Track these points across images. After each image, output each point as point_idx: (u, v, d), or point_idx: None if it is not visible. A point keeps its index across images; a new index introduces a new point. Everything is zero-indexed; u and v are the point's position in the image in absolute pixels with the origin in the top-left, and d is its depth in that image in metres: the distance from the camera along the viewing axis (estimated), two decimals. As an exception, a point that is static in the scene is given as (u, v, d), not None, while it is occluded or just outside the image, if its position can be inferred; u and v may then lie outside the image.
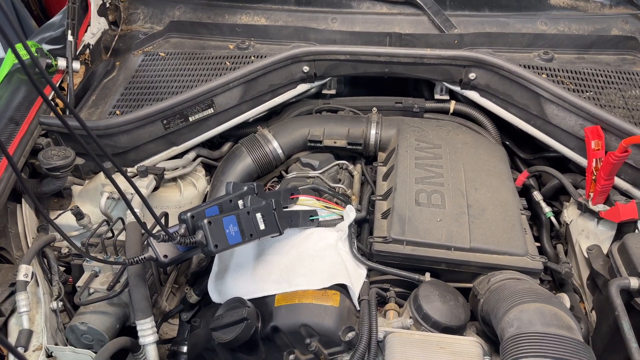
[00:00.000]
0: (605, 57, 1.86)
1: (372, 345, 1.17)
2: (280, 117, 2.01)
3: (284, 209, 1.40)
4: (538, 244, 1.69)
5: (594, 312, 1.48)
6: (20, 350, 1.18)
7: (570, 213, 1.67)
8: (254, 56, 1.85)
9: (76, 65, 1.78)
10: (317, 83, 1.91)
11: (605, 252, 1.48)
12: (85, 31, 1.95)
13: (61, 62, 1.76)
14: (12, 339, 1.24)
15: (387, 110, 1.93)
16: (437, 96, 1.94)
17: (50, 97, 1.67)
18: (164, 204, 1.70)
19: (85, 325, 1.32)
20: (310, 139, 1.79)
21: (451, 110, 1.93)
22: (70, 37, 1.76)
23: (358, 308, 1.27)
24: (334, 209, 1.51)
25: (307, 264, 1.33)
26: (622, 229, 1.50)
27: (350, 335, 1.19)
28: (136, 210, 1.46)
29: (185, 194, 1.74)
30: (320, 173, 1.71)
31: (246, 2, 2.06)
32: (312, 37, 1.90)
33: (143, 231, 1.40)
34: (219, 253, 1.35)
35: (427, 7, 1.91)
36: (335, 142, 1.79)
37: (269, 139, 1.80)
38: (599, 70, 1.77)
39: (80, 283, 1.39)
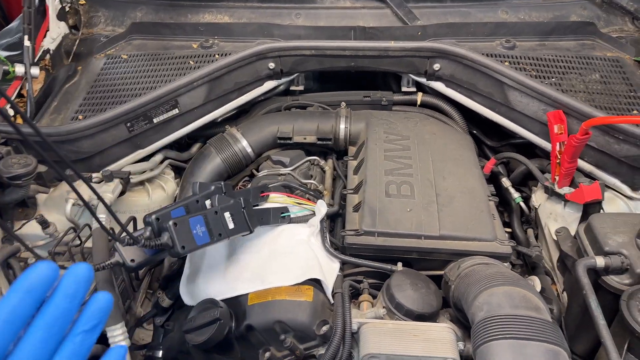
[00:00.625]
0: (565, 43, 1.90)
1: (347, 337, 1.17)
2: (248, 115, 2.00)
3: (255, 207, 1.39)
4: (509, 230, 1.72)
5: (565, 293, 1.51)
6: None
7: (538, 197, 1.70)
8: (218, 54, 1.83)
9: (35, 71, 1.73)
10: (284, 80, 1.90)
11: (573, 233, 1.51)
12: (45, 36, 1.90)
13: (19, 69, 1.71)
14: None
15: (355, 105, 1.94)
16: (404, 89, 1.95)
17: (10, 104, 1.63)
18: (132, 208, 1.67)
19: (55, 335, 1.29)
20: (280, 136, 1.78)
21: (418, 102, 1.94)
22: (27, 43, 1.72)
23: (332, 302, 1.27)
24: (305, 205, 1.50)
25: (280, 261, 1.32)
26: (588, 210, 1.53)
27: (325, 328, 1.19)
28: (102, 216, 1.43)
29: (153, 197, 1.71)
30: (291, 170, 1.70)
31: (209, 0, 2.04)
32: (277, 33, 1.89)
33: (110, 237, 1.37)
34: (188, 254, 1.34)
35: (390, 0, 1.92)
36: (305, 138, 1.78)
37: (237, 138, 1.78)
38: (560, 56, 1.81)
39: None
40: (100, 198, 0.95)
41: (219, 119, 1.89)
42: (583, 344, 1.41)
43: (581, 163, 1.59)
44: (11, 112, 1.64)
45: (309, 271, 1.28)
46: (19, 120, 1.70)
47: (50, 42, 1.92)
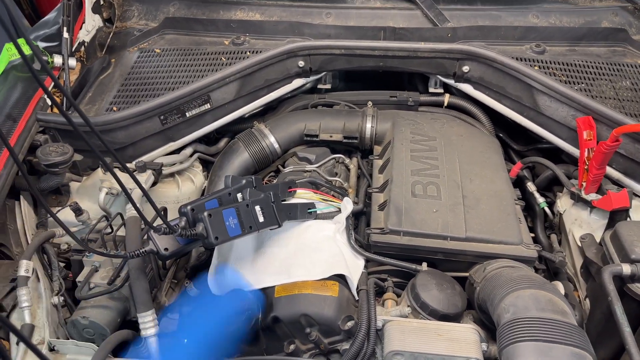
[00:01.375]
0: (595, 49, 1.88)
1: (371, 334, 1.19)
2: (276, 112, 2.02)
3: (282, 202, 1.42)
4: (532, 235, 1.71)
5: (587, 300, 1.51)
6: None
7: (563, 203, 1.70)
8: (249, 51, 1.86)
9: (72, 62, 1.78)
10: (312, 78, 1.92)
11: (598, 240, 1.51)
12: (80, 28, 1.95)
13: (57, 59, 1.76)
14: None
15: (382, 104, 1.95)
16: (431, 89, 1.96)
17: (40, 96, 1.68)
18: (162, 199, 1.71)
19: (87, 319, 1.33)
20: (307, 133, 1.80)
21: (445, 103, 1.95)
22: (65, 34, 1.77)
23: (357, 298, 1.29)
24: (331, 201, 1.52)
25: (306, 256, 1.35)
26: (614, 217, 1.52)
27: (350, 324, 1.21)
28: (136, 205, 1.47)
29: (183, 189, 1.75)
30: (317, 167, 1.72)
31: (240, -3, 2.07)
32: (307, 32, 1.92)
33: (143, 225, 1.41)
34: (218, 245, 1.37)
35: (421, 1, 1.93)
36: (331, 136, 1.80)
37: (265, 134, 1.81)
38: (590, 62, 1.80)
39: (80, 278, 1.40)
40: (141, 187, 0.99)
41: (247, 115, 1.92)
42: (605, 351, 1.41)
43: (609, 170, 1.59)
44: (49, 102, 1.69)
45: (334, 267, 1.30)
46: (55, 110, 1.75)
47: (85, 34, 1.97)
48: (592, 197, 1.55)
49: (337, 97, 2.01)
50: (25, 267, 1.30)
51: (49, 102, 1.68)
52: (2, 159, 1.44)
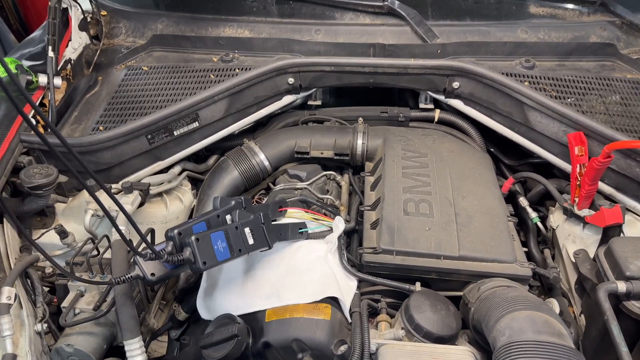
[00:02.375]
0: (585, 63, 1.89)
1: (365, 358, 1.16)
2: (266, 128, 2.00)
3: (273, 222, 1.39)
4: (525, 249, 1.70)
5: (582, 316, 1.49)
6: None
7: (556, 218, 1.69)
8: (238, 69, 1.84)
9: (57, 81, 1.75)
10: (302, 94, 1.91)
11: (592, 256, 1.50)
12: (67, 46, 1.92)
13: (42, 79, 1.73)
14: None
15: (373, 120, 1.94)
16: (421, 105, 1.96)
17: (31, 114, 1.64)
18: (150, 219, 1.68)
19: (72, 347, 1.29)
20: (297, 150, 1.79)
21: (436, 119, 1.95)
22: (51, 53, 1.74)
23: (350, 320, 1.27)
24: (322, 220, 1.50)
25: (297, 278, 1.32)
26: (608, 233, 1.51)
27: (343, 348, 1.19)
28: (121, 227, 1.44)
29: (171, 209, 1.71)
30: (308, 184, 1.71)
31: (229, 14, 2.05)
32: (297, 48, 1.91)
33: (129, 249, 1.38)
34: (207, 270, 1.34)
35: (410, 17, 1.93)
36: (322, 153, 1.79)
37: (255, 151, 1.79)
38: (580, 77, 1.80)
39: (65, 303, 1.36)
40: (123, 210, 0.96)
41: (237, 132, 1.90)
42: (601, 369, 1.39)
43: (602, 185, 1.58)
44: (33, 121, 1.66)
45: (326, 288, 1.28)
46: (41, 130, 1.72)
47: (71, 52, 1.94)
48: (585, 212, 1.54)
49: (328, 114, 2.00)
50: (7, 294, 1.26)
51: (33, 121, 1.65)
52: (-17, 182, 1.40)
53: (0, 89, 0.67)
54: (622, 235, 1.52)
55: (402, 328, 1.23)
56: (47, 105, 1.73)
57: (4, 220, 1.54)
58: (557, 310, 1.37)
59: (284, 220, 1.45)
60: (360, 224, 1.55)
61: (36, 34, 2.10)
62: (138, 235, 1.08)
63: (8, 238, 1.53)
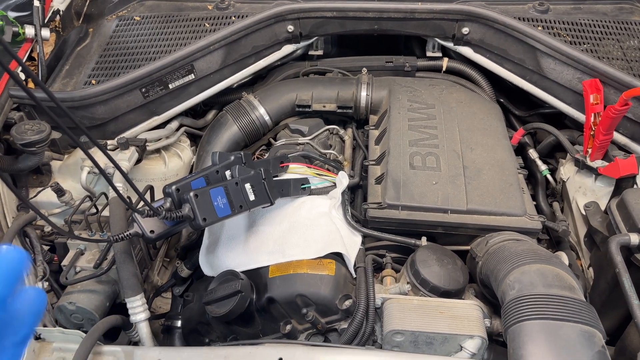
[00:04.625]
0: (602, 6, 1.78)
1: (370, 312, 1.15)
2: (265, 81, 1.93)
3: (274, 178, 1.35)
4: (534, 203, 1.66)
5: (590, 268, 1.47)
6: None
7: (566, 170, 1.64)
8: (234, 16, 1.75)
9: (45, 32, 1.66)
10: (302, 43, 1.82)
11: (603, 208, 1.46)
12: (54, -4, 1.82)
13: (29, 30, 1.64)
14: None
15: (377, 71, 1.87)
16: (429, 54, 1.87)
17: (20, 68, 1.57)
18: (148, 176, 1.64)
19: (74, 304, 1.28)
20: (299, 104, 1.72)
21: (444, 68, 1.86)
22: (36, 2, 1.65)
23: (354, 276, 1.24)
24: (326, 176, 1.46)
25: (301, 234, 1.29)
26: (621, 185, 1.47)
27: (348, 303, 1.17)
28: (119, 184, 1.40)
29: (170, 166, 1.67)
30: (310, 139, 1.65)
31: (224, -42, 1.93)
32: (296, -6, 1.80)
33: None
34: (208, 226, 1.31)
35: (417, -42, 1.81)
36: (324, 106, 1.72)
37: (255, 105, 1.72)
38: (596, 21, 1.71)
39: (65, 262, 1.34)
40: (117, 167, 0.92)
41: (235, 85, 1.83)
42: (609, 322, 1.38)
43: (616, 135, 1.52)
44: (22, 76, 1.59)
45: (330, 244, 1.25)
46: (31, 85, 1.65)
47: (59, 2, 1.84)
48: (598, 164, 1.49)
49: (330, 64, 1.92)
50: (4, 253, 1.23)
51: (23, 76, 1.58)
52: (-26, 140, 1.36)
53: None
54: (635, 187, 1.47)
55: (408, 282, 1.20)
56: (37, 58, 1.65)
57: (-1, 178, 1.51)
58: (566, 262, 1.34)
59: (285, 176, 1.41)
60: (364, 179, 1.51)
61: (21, -17, 1.99)
62: (138, 195, 1.05)
63: (4, 196, 1.50)
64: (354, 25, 1.73)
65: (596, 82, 1.45)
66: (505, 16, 1.61)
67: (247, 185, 1.19)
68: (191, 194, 1.07)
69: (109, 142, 1.54)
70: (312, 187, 1.40)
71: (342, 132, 1.72)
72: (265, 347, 1.09)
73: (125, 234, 1.13)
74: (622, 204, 1.32)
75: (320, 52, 1.93)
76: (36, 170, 1.60)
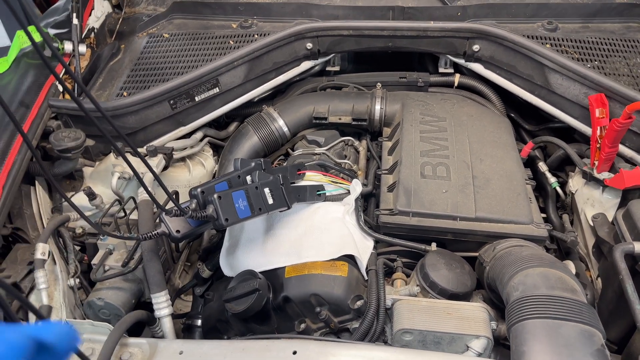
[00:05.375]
0: (609, 25, 1.84)
1: (381, 312, 1.20)
2: (285, 95, 2.02)
3: (292, 184, 1.42)
4: (544, 215, 1.70)
5: (599, 279, 1.50)
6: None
7: (575, 182, 1.68)
8: (257, 34, 1.86)
9: (82, 48, 1.79)
10: (320, 60, 1.91)
11: (610, 219, 1.50)
12: (89, 15, 1.96)
13: (68, 46, 1.77)
14: (32, 315, 1.28)
15: (391, 86, 1.94)
16: (441, 70, 1.94)
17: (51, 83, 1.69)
18: (173, 183, 1.73)
19: (102, 300, 1.36)
20: (316, 116, 1.80)
21: (456, 84, 1.93)
22: (75, 21, 1.78)
23: (366, 278, 1.30)
24: (340, 183, 1.53)
25: (316, 237, 1.36)
26: (627, 196, 1.51)
27: (359, 303, 1.23)
28: (148, 188, 1.49)
29: (194, 173, 1.77)
30: (326, 150, 1.73)
31: (248, -20, 2.05)
32: (315, 13, 1.90)
33: (155, 208, 1.43)
34: (229, 227, 1.39)
35: (430, -21, 1.90)
36: (340, 119, 1.80)
37: (274, 117, 1.81)
38: (604, 39, 1.76)
39: (95, 261, 1.43)
40: (152, 170, 1.01)
41: (256, 99, 1.93)
42: (616, 331, 1.41)
43: (622, 148, 1.56)
44: (60, 87, 1.71)
45: (343, 247, 1.31)
46: (67, 97, 1.77)
47: (94, 20, 1.98)
48: (605, 175, 1.53)
49: (346, 79, 2.00)
50: (41, 250, 1.33)
51: (60, 88, 1.70)
52: (16, 146, 1.47)
53: (28, 56, 0.71)
54: (641, 198, 1.51)
55: (417, 285, 1.26)
56: (73, 72, 1.78)
57: (36, 182, 1.62)
58: (574, 271, 1.38)
59: (302, 183, 1.48)
60: (377, 187, 1.57)
61: (60, 3, 2.13)
62: (162, 197, 1.13)
63: (40, 199, 1.60)
64: (369, 42, 1.82)
65: (601, 97, 1.50)
66: (515, 34, 1.68)
67: (266, 190, 1.27)
68: (215, 195, 1.15)
69: (138, 149, 1.64)
70: (327, 194, 1.48)
71: (356, 143, 1.79)
72: (280, 341, 1.15)
73: (153, 232, 1.22)
74: (628, 214, 1.36)
75: (337, 68, 2.02)
76: (69, 176, 1.70)
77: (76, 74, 1.73)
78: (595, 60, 1.68)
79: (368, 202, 1.60)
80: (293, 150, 1.82)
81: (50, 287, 1.35)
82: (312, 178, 1.52)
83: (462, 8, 1.85)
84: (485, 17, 1.84)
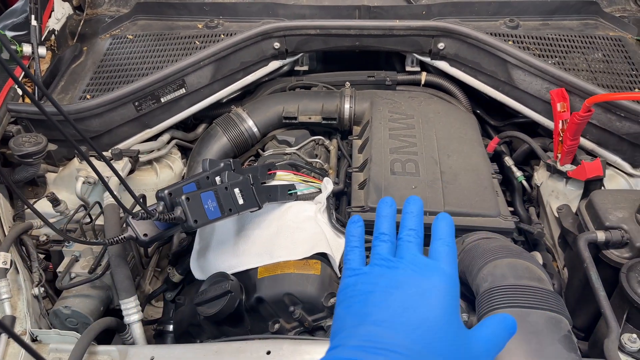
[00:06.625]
0: (568, 22, 1.90)
1: (354, 309, 1.20)
2: (254, 96, 2.01)
3: (262, 184, 1.41)
4: (511, 208, 1.74)
5: (565, 269, 1.54)
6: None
7: (540, 175, 1.73)
8: (223, 34, 1.84)
9: (42, 50, 1.74)
10: (288, 60, 1.91)
11: (574, 210, 1.54)
12: (49, 17, 1.90)
13: (26, 48, 1.72)
14: (-5, 327, 1.23)
15: (360, 84, 1.95)
16: (408, 68, 1.97)
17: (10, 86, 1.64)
18: (140, 186, 1.70)
19: (69, 308, 1.32)
20: (285, 116, 1.80)
21: (422, 82, 1.96)
22: (34, 22, 1.72)
23: (339, 275, 1.30)
24: (311, 182, 1.53)
25: (288, 236, 1.35)
26: (589, 187, 1.56)
27: (333, 300, 1.22)
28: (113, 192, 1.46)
29: (161, 176, 1.73)
30: (296, 149, 1.72)
31: (213, -20, 2.04)
32: (282, 12, 1.90)
33: (122, 213, 1.40)
34: (199, 230, 1.37)
35: (395, -21, 1.92)
36: (310, 118, 1.80)
37: (243, 118, 1.80)
38: (563, 36, 1.82)
39: (61, 268, 1.39)
40: (117, 174, 0.98)
41: (225, 100, 1.91)
42: (583, 318, 1.45)
43: (583, 141, 1.61)
44: (20, 91, 1.65)
45: (316, 246, 1.31)
46: (27, 100, 1.71)
47: (55, 22, 1.93)
48: (567, 167, 1.58)
49: (315, 79, 2.01)
50: (2, 258, 1.28)
51: (19, 91, 1.65)
52: (-27, 153, 1.41)
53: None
54: (603, 188, 1.56)
55: (390, 280, 1.26)
56: (33, 74, 1.72)
57: (-4, 190, 1.56)
58: (541, 262, 1.41)
59: (273, 183, 1.48)
60: (348, 185, 1.58)
61: (18, 4, 2.07)
62: (129, 201, 1.11)
63: (1, 207, 1.54)
64: (336, 42, 1.83)
65: (562, 92, 1.55)
66: (478, 32, 1.72)
67: (236, 190, 1.26)
68: (183, 197, 1.13)
69: (103, 153, 1.60)
70: (299, 193, 1.47)
71: (327, 142, 1.79)
72: (254, 342, 1.14)
73: (120, 237, 1.19)
74: (590, 204, 1.41)
75: (305, 68, 2.02)
76: (32, 182, 1.65)
77: (36, 77, 1.68)
78: (556, 57, 1.73)
79: (340, 200, 1.61)
80: (263, 151, 1.81)
81: (14, 297, 1.30)
82: (283, 177, 1.51)
83: (426, 7, 1.88)
84: (450, 16, 1.88)
